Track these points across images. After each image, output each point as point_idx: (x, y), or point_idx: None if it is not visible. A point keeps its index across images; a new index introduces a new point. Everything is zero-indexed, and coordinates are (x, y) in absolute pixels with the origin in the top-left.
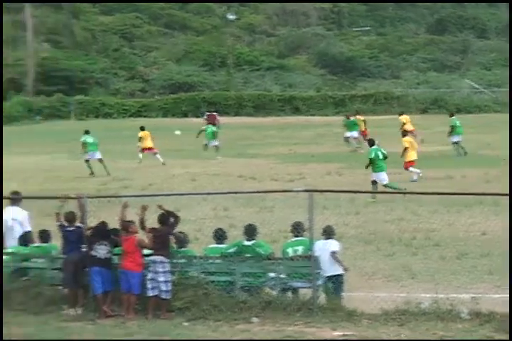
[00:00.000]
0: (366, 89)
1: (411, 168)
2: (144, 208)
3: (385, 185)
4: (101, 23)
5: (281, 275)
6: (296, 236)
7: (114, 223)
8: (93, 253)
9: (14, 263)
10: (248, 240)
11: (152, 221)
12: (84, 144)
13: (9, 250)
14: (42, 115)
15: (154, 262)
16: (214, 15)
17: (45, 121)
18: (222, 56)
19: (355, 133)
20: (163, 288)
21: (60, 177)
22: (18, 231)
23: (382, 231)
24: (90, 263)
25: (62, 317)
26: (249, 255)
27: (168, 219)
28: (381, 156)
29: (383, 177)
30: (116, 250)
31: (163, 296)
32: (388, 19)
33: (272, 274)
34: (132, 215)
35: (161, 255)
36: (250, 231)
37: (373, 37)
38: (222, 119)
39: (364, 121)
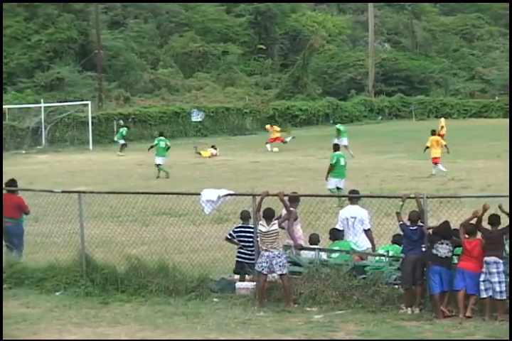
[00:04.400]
0: None
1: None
2: (485, 208)
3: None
4: (442, 23)
5: None
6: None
7: (454, 223)
8: (434, 251)
9: (351, 261)
10: None
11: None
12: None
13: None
14: (383, 115)
15: (488, 263)
16: None
17: (385, 120)
18: None
19: None
20: (497, 289)
21: (400, 177)
22: (359, 229)
23: None
24: (431, 261)
25: (400, 316)
26: None
27: (499, 219)
28: (342, 162)
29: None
30: (457, 250)
31: (498, 297)
32: None
33: None
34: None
35: (495, 256)
36: None
37: None
38: None
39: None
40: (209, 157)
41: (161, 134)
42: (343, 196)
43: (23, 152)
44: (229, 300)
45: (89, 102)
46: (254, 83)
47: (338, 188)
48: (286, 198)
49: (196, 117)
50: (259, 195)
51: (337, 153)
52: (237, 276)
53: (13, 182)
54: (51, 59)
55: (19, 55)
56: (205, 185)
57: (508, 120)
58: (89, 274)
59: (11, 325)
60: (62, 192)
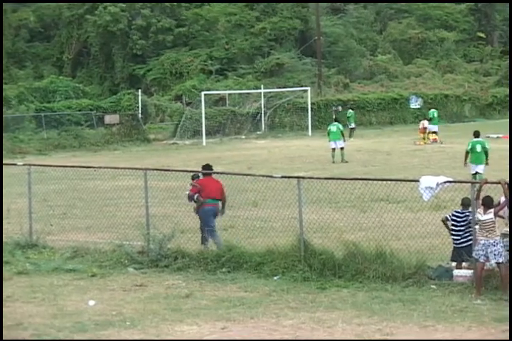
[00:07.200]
0: None
1: None
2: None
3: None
4: None
5: None
6: None
7: None
8: None
9: None
10: None
11: None
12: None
13: None
14: None
15: None
16: None
17: None
18: None
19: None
20: None
21: None
22: None
23: None
24: None
25: None
26: None
27: None
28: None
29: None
30: None
31: None
32: None
33: None
34: None
35: None
36: None
37: None
38: None
39: None
40: (425, 143)
41: (335, 120)
42: None
43: (243, 137)
44: (446, 288)
45: (308, 88)
46: (474, 70)
47: (477, 173)
48: (506, 186)
49: (415, 104)
50: (478, 183)
51: (474, 139)
52: (454, 264)
53: (209, 167)
54: (271, 45)
55: (241, 41)
56: (424, 171)
57: None
58: (307, 259)
59: (229, 308)
60: (282, 177)
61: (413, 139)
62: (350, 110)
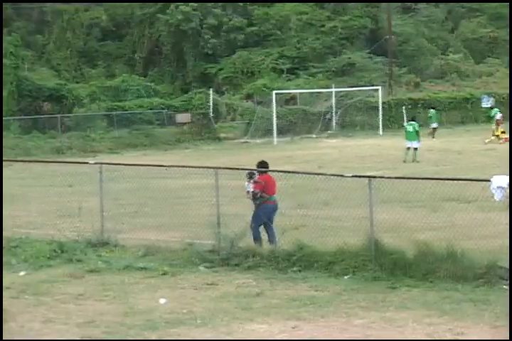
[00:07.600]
0: None
1: None
2: None
3: None
4: None
5: None
6: None
7: None
8: None
9: None
10: None
11: None
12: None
13: None
14: None
15: None
16: None
17: None
18: None
19: None
20: None
21: None
22: None
23: None
24: None
25: None
26: None
27: None
28: None
29: None
30: None
31: None
32: None
33: None
34: None
35: None
36: None
37: None
38: None
39: None
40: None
41: (412, 119)
42: None
43: (314, 136)
44: None
45: (379, 87)
46: None
47: None
48: None
49: (486, 103)
50: None
51: None
52: None
53: (265, 164)
54: (343, 44)
55: (312, 40)
56: (495, 171)
57: None
58: (377, 259)
59: (299, 307)
60: (353, 176)
61: (484, 138)
62: (432, 110)
